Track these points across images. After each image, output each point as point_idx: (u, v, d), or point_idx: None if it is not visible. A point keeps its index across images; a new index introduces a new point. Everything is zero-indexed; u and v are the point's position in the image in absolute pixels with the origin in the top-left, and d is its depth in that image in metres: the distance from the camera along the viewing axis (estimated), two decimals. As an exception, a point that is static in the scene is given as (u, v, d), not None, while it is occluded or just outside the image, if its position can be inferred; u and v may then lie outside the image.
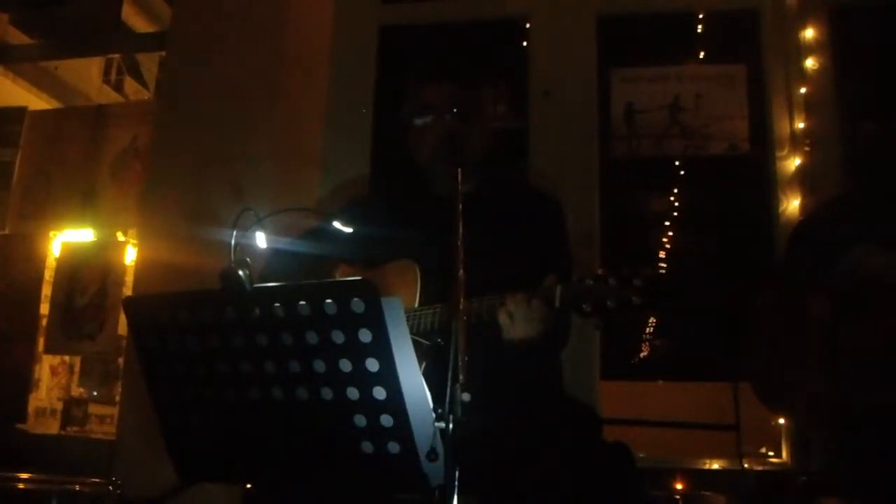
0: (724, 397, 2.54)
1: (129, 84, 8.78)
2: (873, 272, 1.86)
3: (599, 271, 1.46)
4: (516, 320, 1.52)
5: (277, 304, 1.16)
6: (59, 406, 5.38)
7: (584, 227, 2.82)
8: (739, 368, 2.23)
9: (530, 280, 1.55)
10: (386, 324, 1.11)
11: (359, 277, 1.26)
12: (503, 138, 1.96)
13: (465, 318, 1.27)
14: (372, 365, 1.13)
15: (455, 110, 1.80)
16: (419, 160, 1.89)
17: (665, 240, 3.27)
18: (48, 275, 3.29)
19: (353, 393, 1.16)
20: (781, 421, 2.72)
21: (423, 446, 1.14)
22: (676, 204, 3.22)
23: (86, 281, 3.16)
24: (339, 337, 1.14)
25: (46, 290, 3.28)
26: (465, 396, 1.15)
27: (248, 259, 1.19)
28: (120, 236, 3.34)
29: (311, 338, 1.16)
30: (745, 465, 2.64)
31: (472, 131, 1.82)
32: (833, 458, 2.23)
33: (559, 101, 3.06)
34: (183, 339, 1.26)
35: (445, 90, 1.83)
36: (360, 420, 1.17)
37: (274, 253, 1.77)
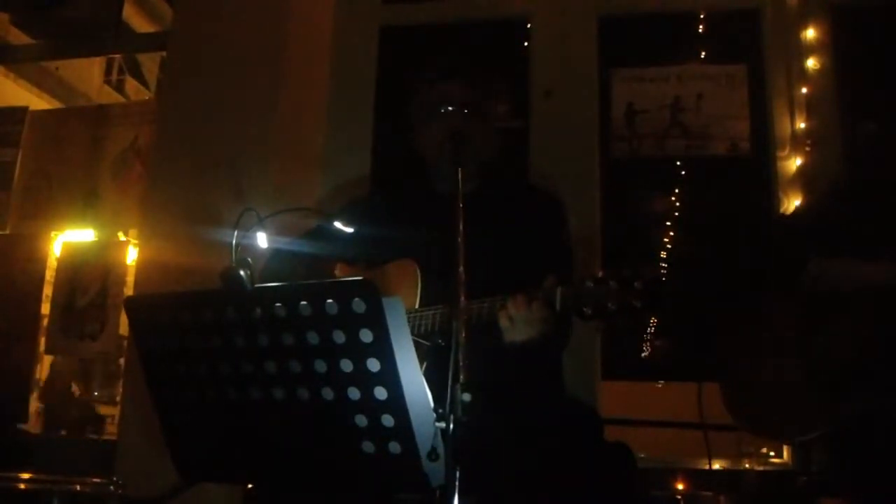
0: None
1: (130, 84, 8.81)
2: (830, 282, 1.86)
3: (600, 273, 1.45)
4: (517, 322, 1.52)
5: (278, 305, 1.16)
6: (60, 406, 5.37)
7: (584, 227, 2.82)
8: (707, 371, 2.23)
9: (531, 280, 1.55)
10: (387, 324, 1.11)
11: (360, 277, 1.26)
12: (504, 138, 1.96)
13: (465, 318, 1.27)
14: (373, 365, 1.14)
15: (465, 109, 1.81)
16: (425, 158, 1.89)
17: (666, 240, 3.27)
18: (49, 275, 3.28)
19: (353, 393, 1.16)
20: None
21: (423, 446, 1.14)
22: (677, 204, 3.22)
23: (87, 281, 3.16)
24: (339, 337, 1.14)
25: (47, 291, 3.27)
26: (466, 396, 1.15)
27: (249, 259, 1.19)
28: (121, 236, 3.34)
29: (312, 338, 1.16)
30: (746, 466, 2.64)
31: (480, 131, 1.82)
32: (834, 459, 2.23)
33: (560, 101, 3.06)
34: (184, 339, 1.26)
35: (457, 88, 1.83)
36: (361, 420, 1.17)
37: (275, 253, 1.77)
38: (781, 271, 1.95)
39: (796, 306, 1.91)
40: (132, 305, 1.34)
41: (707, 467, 2.50)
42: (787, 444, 2.59)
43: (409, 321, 1.52)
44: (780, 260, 2.00)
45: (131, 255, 3.17)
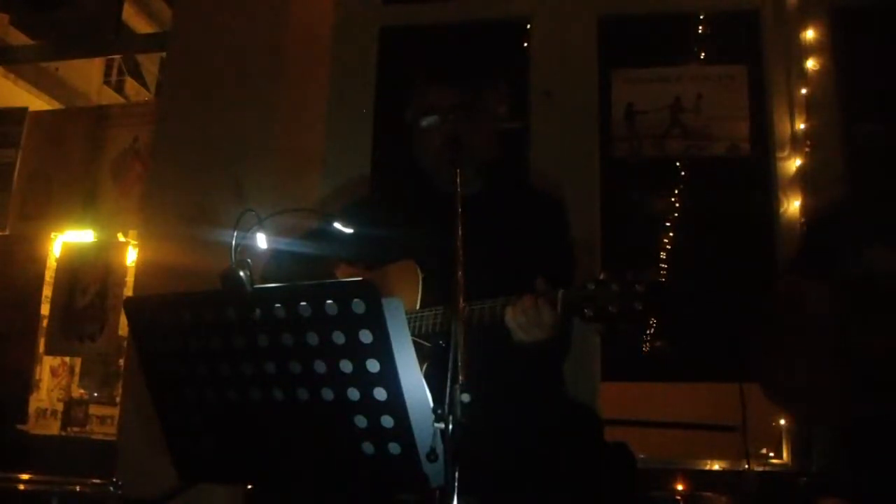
0: (726, 398, 2.54)
1: (130, 85, 8.83)
2: (887, 273, 1.86)
3: (602, 275, 1.44)
4: (523, 325, 1.51)
5: (278, 305, 1.16)
6: (60, 407, 5.39)
7: (584, 228, 2.82)
8: (747, 366, 2.23)
9: (532, 282, 1.54)
10: (386, 324, 1.11)
11: (359, 278, 1.26)
12: (504, 139, 1.96)
13: (465, 319, 1.27)
14: (372, 366, 1.13)
15: (458, 112, 1.80)
16: (423, 162, 1.88)
17: (666, 241, 3.27)
18: (49, 276, 3.29)
19: (353, 394, 1.16)
20: (783, 422, 2.72)
21: (423, 447, 1.14)
22: (677, 205, 3.22)
23: (86, 282, 3.16)
24: (339, 338, 1.14)
25: (47, 291, 3.28)
26: (465, 397, 1.14)
27: (248, 260, 1.19)
28: (120, 237, 3.34)
29: (312, 338, 1.16)
30: (747, 466, 2.64)
31: (477, 133, 1.82)
32: (834, 459, 2.23)
33: (560, 101, 3.05)
34: (184, 340, 1.26)
35: (450, 92, 1.82)
36: (361, 421, 1.17)
37: (275, 254, 1.77)
38: (830, 260, 1.96)
39: (841, 296, 1.91)
40: (132, 306, 1.33)
41: (741, 468, 2.49)
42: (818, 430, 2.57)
43: (409, 322, 1.53)
44: (829, 249, 2.00)
45: (131, 256, 3.17)
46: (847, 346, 1.85)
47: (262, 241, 1.35)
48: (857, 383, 1.81)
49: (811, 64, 2.92)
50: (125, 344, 3.17)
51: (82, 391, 5.79)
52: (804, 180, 2.84)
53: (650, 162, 3.08)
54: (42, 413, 5.25)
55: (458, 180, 1.47)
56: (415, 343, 1.16)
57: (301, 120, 3.08)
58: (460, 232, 1.35)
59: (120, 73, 8.72)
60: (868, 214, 2.05)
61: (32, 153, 3.41)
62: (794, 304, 2.02)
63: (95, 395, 5.68)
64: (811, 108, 2.88)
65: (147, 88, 8.77)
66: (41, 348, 3.34)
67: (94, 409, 5.43)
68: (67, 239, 3.35)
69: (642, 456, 2.55)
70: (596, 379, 2.81)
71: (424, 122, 1.84)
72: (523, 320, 1.50)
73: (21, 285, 3.25)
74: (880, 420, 1.76)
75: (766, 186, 2.93)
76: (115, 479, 2.55)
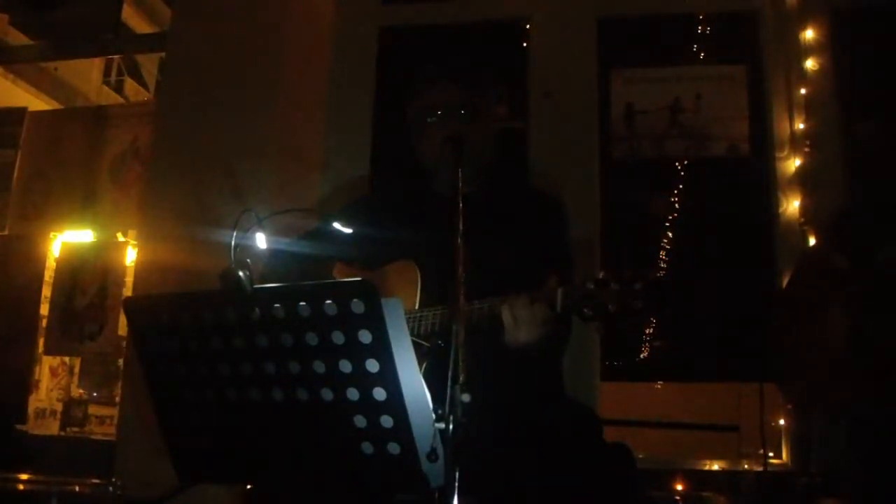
0: (725, 398, 2.54)
1: (129, 85, 8.83)
2: None
3: (601, 275, 1.44)
4: (520, 323, 1.51)
5: (277, 305, 1.16)
6: (59, 407, 5.39)
7: (584, 228, 2.82)
8: (762, 363, 2.24)
9: (531, 281, 1.55)
10: (386, 324, 1.11)
11: (359, 278, 1.26)
12: (503, 139, 1.95)
13: (465, 319, 1.26)
14: (372, 366, 1.13)
15: (461, 111, 1.80)
16: (424, 161, 1.89)
17: (665, 241, 3.27)
18: (48, 275, 3.29)
19: (353, 394, 1.16)
20: (782, 422, 2.72)
21: (423, 447, 1.14)
22: (677, 205, 3.22)
23: (86, 282, 3.16)
24: (339, 338, 1.14)
25: (46, 291, 3.28)
26: (465, 397, 1.14)
27: (248, 260, 1.19)
28: (120, 237, 3.35)
29: (311, 339, 1.15)
30: (745, 466, 2.64)
31: (478, 132, 1.82)
32: (835, 459, 2.23)
33: (559, 101, 3.06)
34: (183, 340, 1.25)
35: (452, 91, 1.82)
36: (360, 421, 1.17)
37: (274, 254, 1.77)
38: (854, 254, 1.97)
39: (859, 290, 1.92)
40: (131, 306, 1.33)
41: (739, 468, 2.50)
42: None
43: (408, 322, 1.53)
44: (853, 244, 2.01)
45: (130, 256, 3.17)
46: (861, 343, 1.86)
47: (261, 241, 1.35)
48: (870, 379, 1.82)
49: (811, 64, 2.92)
50: (125, 344, 3.17)
51: (81, 391, 5.80)
52: (803, 180, 2.84)
53: (649, 162, 3.08)
54: (41, 413, 5.25)
55: (461, 179, 1.47)
56: (414, 343, 1.16)
57: (301, 120, 3.08)
58: (461, 232, 1.35)
59: (119, 73, 8.73)
60: (884, 212, 2.05)
61: (32, 153, 3.41)
62: (810, 300, 2.03)
63: (95, 395, 5.68)
64: (811, 108, 2.88)
65: (146, 88, 8.77)
66: (41, 348, 3.34)
67: (93, 409, 5.43)
68: (67, 239, 3.35)
69: (642, 456, 2.55)
70: (596, 379, 2.81)
71: (425, 121, 1.84)
72: (518, 317, 1.50)
73: (21, 285, 3.25)
74: (888, 419, 1.77)
75: (766, 186, 2.93)
76: (114, 480, 2.55)
